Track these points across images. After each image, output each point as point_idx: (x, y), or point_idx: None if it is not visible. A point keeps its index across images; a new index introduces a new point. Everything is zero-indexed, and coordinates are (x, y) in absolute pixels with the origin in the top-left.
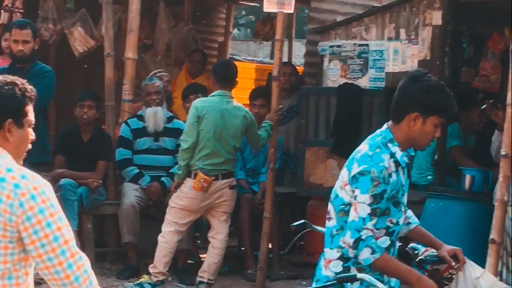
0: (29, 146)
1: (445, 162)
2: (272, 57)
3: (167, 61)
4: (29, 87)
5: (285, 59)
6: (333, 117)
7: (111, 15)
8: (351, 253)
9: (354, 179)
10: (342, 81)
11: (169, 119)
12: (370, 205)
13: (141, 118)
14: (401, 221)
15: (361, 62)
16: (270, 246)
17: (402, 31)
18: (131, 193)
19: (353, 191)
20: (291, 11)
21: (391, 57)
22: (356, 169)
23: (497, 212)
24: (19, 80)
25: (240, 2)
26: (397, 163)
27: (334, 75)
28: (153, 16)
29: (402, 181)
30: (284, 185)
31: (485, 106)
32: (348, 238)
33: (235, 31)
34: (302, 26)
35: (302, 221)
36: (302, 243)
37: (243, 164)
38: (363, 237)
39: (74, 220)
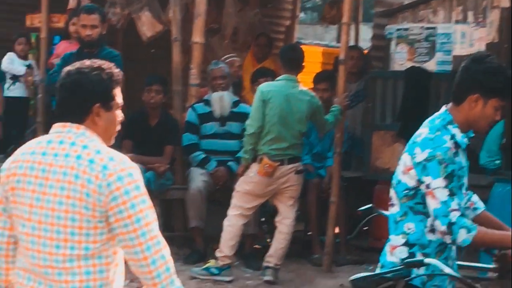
0: (118, 128)
1: None
2: (338, 40)
3: (234, 45)
4: (116, 70)
5: (351, 43)
6: (400, 101)
7: None
8: (448, 239)
9: (422, 168)
10: (409, 64)
11: (235, 103)
12: (446, 187)
13: (207, 102)
14: (462, 204)
15: (428, 46)
16: (336, 230)
17: (470, 14)
18: (198, 178)
19: (422, 181)
20: None
21: (458, 40)
22: (420, 155)
23: None
24: (106, 64)
25: None
26: (457, 144)
27: (401, 59)
28: (220, 0)
29: (463, 163)
30: (351, 169)
31: None
32: (440, 227)
33: (302, 14)
34: (369, 9)
35: (369, 205)
36: (366, 228)
37: (309, 148)
38: (453, 220)
39: None
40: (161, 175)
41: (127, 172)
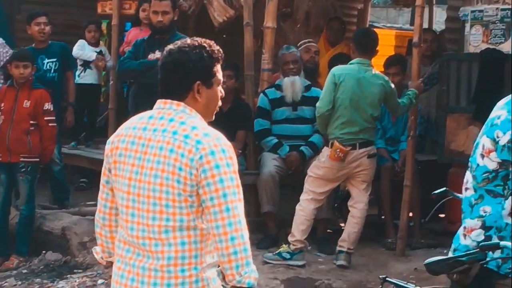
0: (219, 103)
1: None
2: (412, 23)
3: (306, 29)
4: (217, 48)
5: (425, 25)
6: (475, 83)
7: None
8: None
9: (508, 150)
10: (484, 46)
11: (307, 88)
12: None
13: (279, 87)
14: None
15: (504, 27)
16: (410, 214)
17: None
18: (270, 163)
19: (505, 164)
20: None
21: None
22: (504, 137)
23: None
24: (207, 42)
25: None
26: None
27: (475, 41)
28: None
29: None
30: (425, 152)
31: None
32: None
33: None
34: None
35: (443, 189)
36: (441, 214)
37: (382, 133)
38: None
39: None
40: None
41: (220, 148)
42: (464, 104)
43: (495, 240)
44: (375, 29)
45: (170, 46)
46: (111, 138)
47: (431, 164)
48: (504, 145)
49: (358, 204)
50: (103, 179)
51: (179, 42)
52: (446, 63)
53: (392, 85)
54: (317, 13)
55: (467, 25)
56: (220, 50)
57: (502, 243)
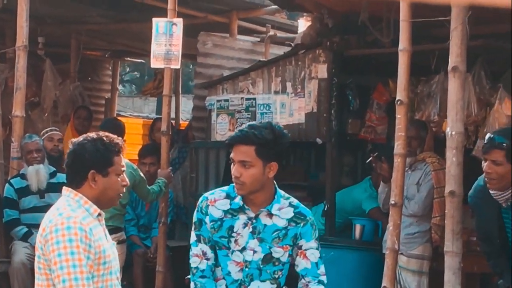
0: (122, 191)
1: (335, 212)
2: (158, 112)
3: (54, 118)
4: (117, 141)
5: (172, 115)
6: (223, 170)
7: None
8: None
9: None
10: (231, 134)
11: (53, 174)
12: None
13: (23, 176)
14: None
15: (249, 116)
16: None
17: (289, 85)
18: (21, 251)
19: None
20: (178, 66)
21: (278, 110)
22: None
23: (388, 260)
24: (106, 136)
25: (126, 58)
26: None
27: (222, 129)
28: (39, 73)
29: None
30: (176, 237)
31: (370, 159)
32: None
33: (120, 87)
34: (187, 81)
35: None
36: None
37: (136, 220)
38: None
39: None
40: None
41: (65, 226)
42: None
43: None
44: (122, 118)
45: (74, 140)
46: None
47: (183, 249)
48: None
49: None
50: None
51: (83, 136)
52: (194, 151)
53: (141, 174)
54: (65, 101)
55: (214, 114)
56: (121, 142)
57: None
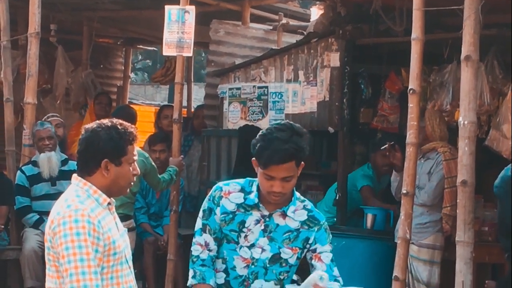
0: (133, 180)
1: (347, 201)
2: (170, 100)
3: (66, 105)
4: (130, 129)
5: (184, 103)
6: (235, 158)
7: (10, 60)
8: None
9: None
10: (243, 122)
11: (64, 162)
12: None
13: (35, 164)
14: None
15: (261, 104)
16: None
17: (301, 73)
18: (32, 238)
19: None
20: (190, 54)
21: (290, 99)
22: None
23: (399, 249)
24: (120, 124)
25: (138, 46)
26: None
27: (234, 117)
28: (51, 60)
29: None
30: (180, 226)
31: (385, 147)
32: None
33: (132, 75)
34: (199, 69)
35: None
36: None
37: (146, 208)
38: None
39: None
40: None
41: (73, 218)
42: (225, 178)
43: None
44: (134, 106)
45: (87, 126)
46: None
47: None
48: None
49: None
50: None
51: (96, 123)
52: (206, 139)
53: (152, 162)
54: (76, 89)
55: (225, 102)
56: (135, 131)
57: None
